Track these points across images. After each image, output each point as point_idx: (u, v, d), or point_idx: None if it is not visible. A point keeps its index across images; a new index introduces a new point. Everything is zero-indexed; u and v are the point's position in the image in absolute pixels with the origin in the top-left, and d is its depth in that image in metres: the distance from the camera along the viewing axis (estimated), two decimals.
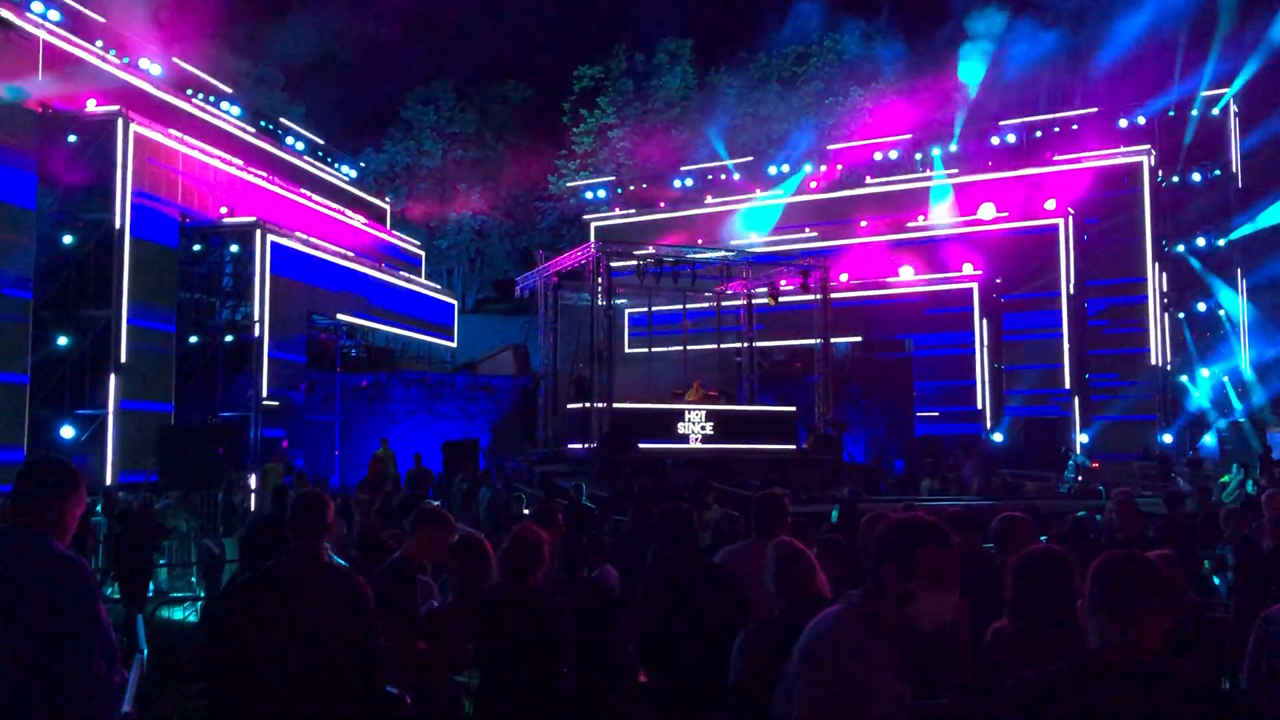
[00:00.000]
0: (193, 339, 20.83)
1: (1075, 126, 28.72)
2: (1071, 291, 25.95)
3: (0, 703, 3.25)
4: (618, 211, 34.89)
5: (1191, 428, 26.86)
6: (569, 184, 42.10)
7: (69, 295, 18.46)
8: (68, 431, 17.99)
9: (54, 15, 19.69)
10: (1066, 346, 25.71)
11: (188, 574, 13.74)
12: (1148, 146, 26.98)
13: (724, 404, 23.33)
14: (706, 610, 4.83)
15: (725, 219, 32.24)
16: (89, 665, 3.35)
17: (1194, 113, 27.74)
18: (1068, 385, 25.59)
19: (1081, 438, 25.14)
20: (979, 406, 25.56)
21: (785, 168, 33.55)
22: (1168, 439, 25.64)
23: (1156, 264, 26.26)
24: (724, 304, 26.53)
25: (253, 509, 17.69)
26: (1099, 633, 2.62)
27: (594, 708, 4.87)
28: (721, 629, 4.54)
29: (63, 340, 18.30)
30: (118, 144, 18.75)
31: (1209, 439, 26.02)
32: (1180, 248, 28.02)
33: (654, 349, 26.14)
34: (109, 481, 17.06)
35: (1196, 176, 27.96)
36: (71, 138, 18.65)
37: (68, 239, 18.55)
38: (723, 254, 25.27)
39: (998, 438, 25.41)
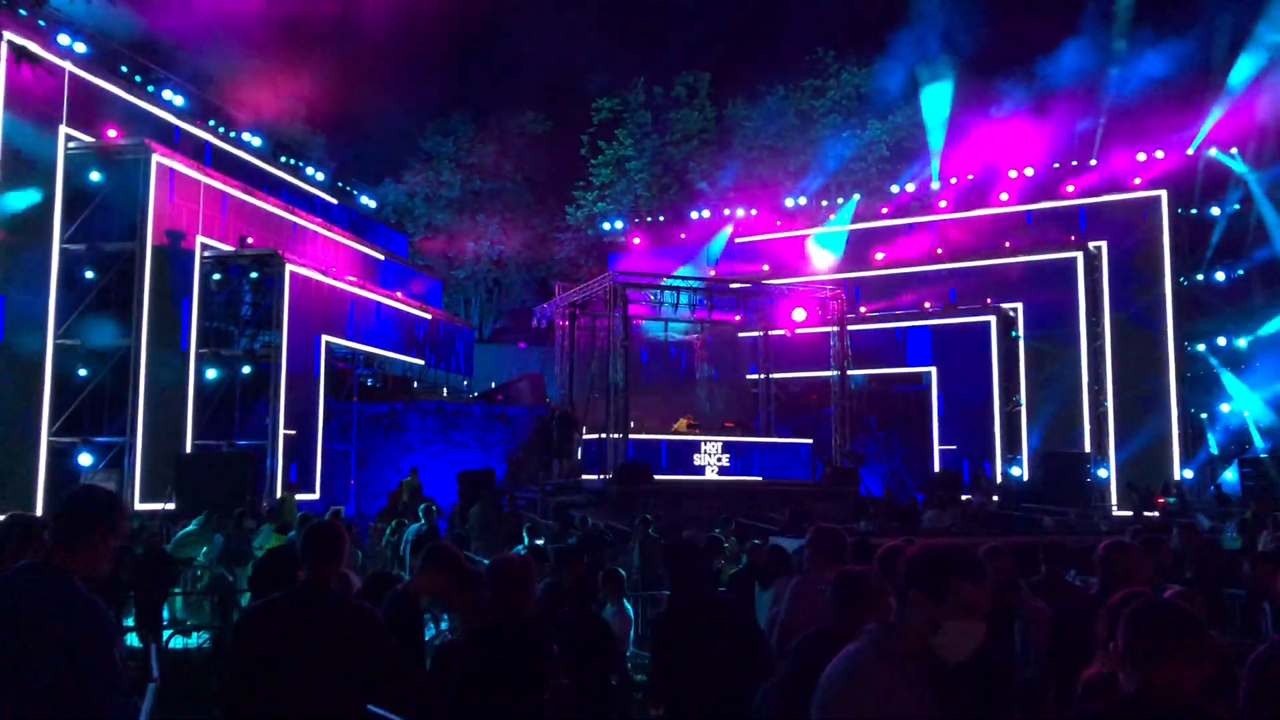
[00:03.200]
0: (211, 367, 20.93)
1: (1094, 162, 28.67)
2: (1090, 325, 25.83)
3: None
4: (635, 242, 35.01)
5: (1212, 464, 26.61)
6: (586, 215, 42.29)
7: (89, 324, 18.60)
8: (85, 459, 18.09)
9: (80, 47, 19.98)
10: (1085, 380, 25.58)
11: (203, 602, 13.73)
12: (1166, 184, 26.89)
13: (740, 435, 23.31)
14: (715, 649, 4.77)
15: (742, 249, 32.30)
16: (103, 709, 3.37)
17: (1212, 153, 27.63)
18: (1086, 419, 25.44)
19: (1101, 472, 24.94)
20: (998, 440, 25.41)
21: (803, 200, 33.63)
22: (1188, 474, 25.41)
23: (1175, 297, 26.12)
24: (741, 335, 26.53)
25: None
26: (1135, 679, 2.59)
27: None
28: (730, 669, 4.50)
29: (82, 370, 18.44)
30: (140, 175, 18.95)
31: (1230, 475, 25.77)
32: (1200, 277, 27.90)
33: (670, 380, 26.13)
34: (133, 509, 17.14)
35: (1215, 210, 27.84)
36: (95, 169, 18.85)
37: (89, 270, 18.73)
38: (739, 285, 25.30)
39: (1016, 472, 25.25)
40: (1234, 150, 27.44)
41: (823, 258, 30.14)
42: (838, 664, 2.78)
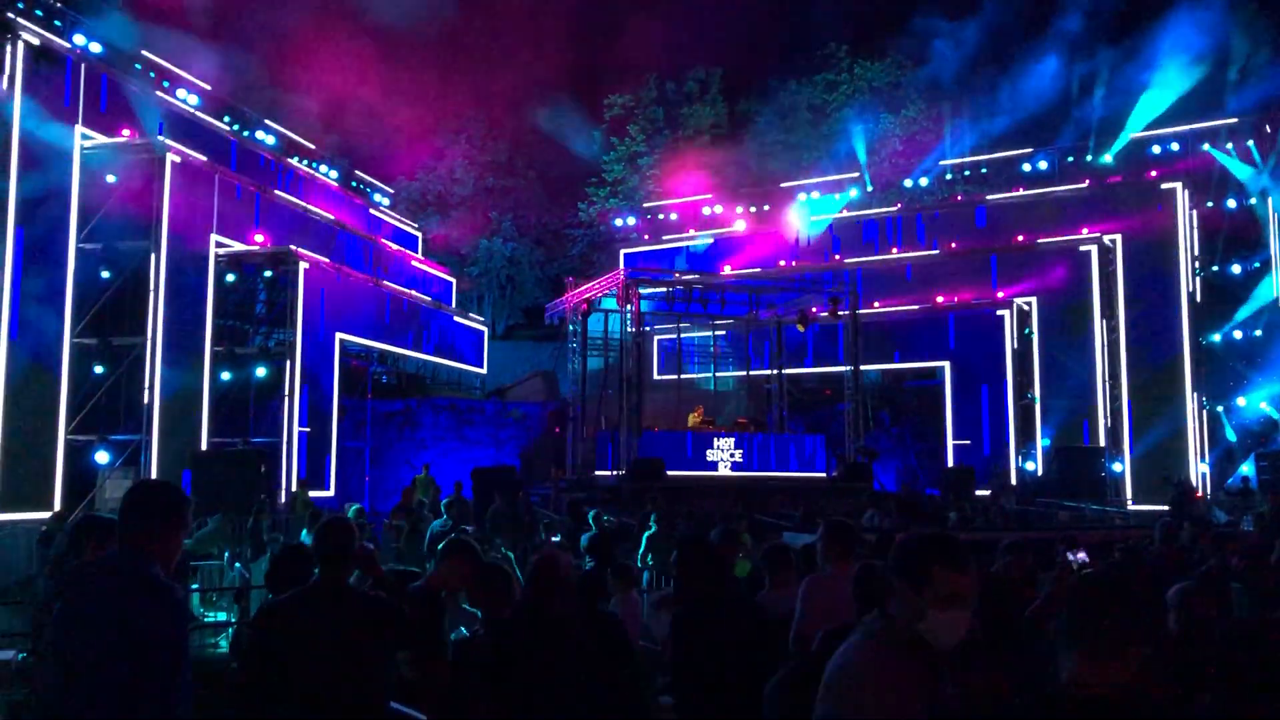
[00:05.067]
0: (226, 365, 21.04)
1: (1108, 158, 28.50)
2: (1104, 317, 25.70)
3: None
4: (647, 238, 35.01)
5: (1228, 457, 26.48)
6: (599, 211, 42.30)
7: (105, 322, 18.71)
8: (103, 457, 18.21)
9: (95, 47, 20.10)
10: (1099, 373, 25.44)
11: (220, 600, 13.81)
12: (1182, 175, 26.77)
13: (753, 431, 23.31)
14: (735, 648, 4.78)
15: (755, 245, 32.23)
16: (175, 689, 3.53)
17: (1229, 145, 27.47)
18: (1101, 413, 25.31)
19: (1116, 466, 24.83)
20: (1012, 434, 25.30)
21: (816, 194, 33.56)
22: (1204, 469, 25.30)
23: (1190, 289, 25.98)
24: (753, 330, 26.52)
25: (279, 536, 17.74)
26: (1067, 665, 2.55)
27: None
28: (751, 668, 4.51)
29: (99, 368, 18.56)
30: (155, 174, 19.04)
31: (1246, 468, 25.67)
32: (1215, 268, 27.77)
33: (683, 375, 26.14)
34: None
35: (1232, 203, 27.69)
36: (110, 167, 18.94)
37: (104, 269, 18.84)
38: (750, 280, 25.30)
39: (1030, 466, 25.17)
40: (1250, 143, 27.30)
41: (835, 249, 29.98)
42: (839, 656, 2.82)
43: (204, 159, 20.91)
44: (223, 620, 12.53)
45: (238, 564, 13.28)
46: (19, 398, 16.99)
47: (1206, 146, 27.53)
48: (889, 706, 2.66)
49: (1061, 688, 2.52)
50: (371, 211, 31.17)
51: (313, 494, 19.60)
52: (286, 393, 21.23)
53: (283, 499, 19.78)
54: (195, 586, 13.14)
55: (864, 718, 2.66)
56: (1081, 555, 6.85)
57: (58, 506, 17.09)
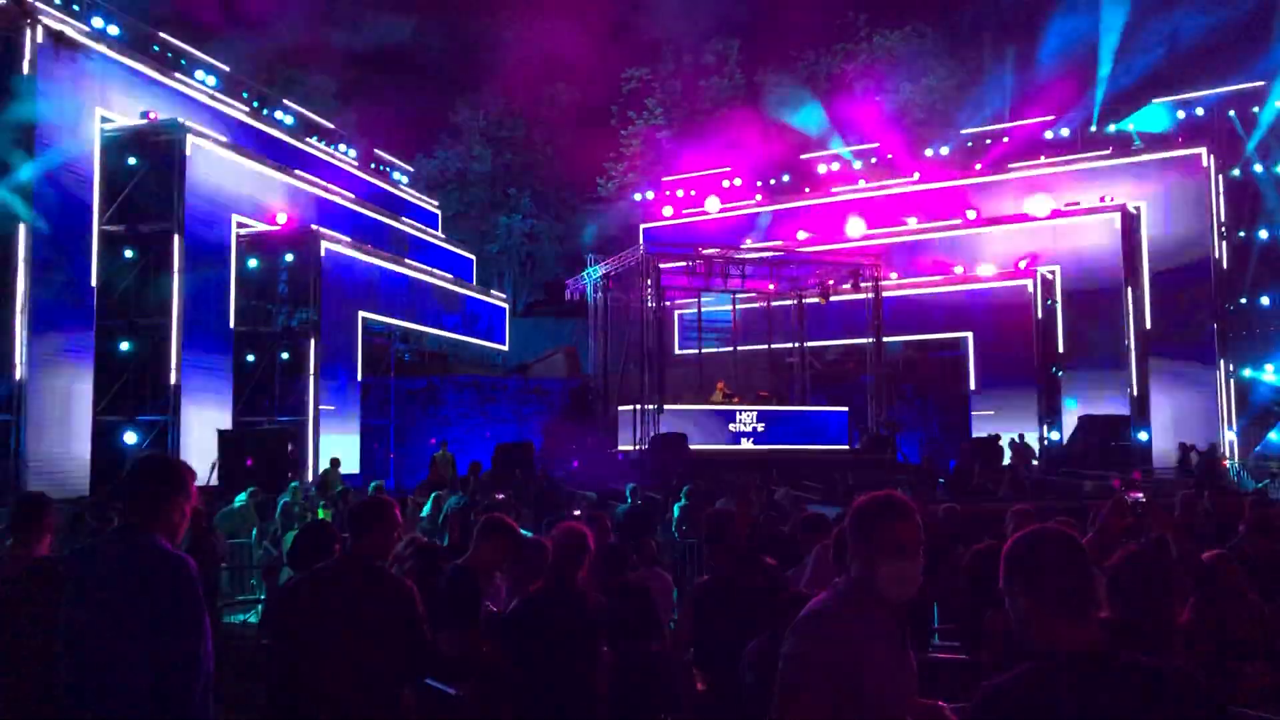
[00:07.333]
0: (250, 345, 21.17)
1: (1131, 126, 28.12)
2: (1130, 284, 25.44)
3: (115, 698, 3.34)
4: (667, 212, 34.91)
5: (1257, 423, 26.23)
6: (617, 186, 42.21)
7: (130, 304, 18.85)
8: (130, 437, 18.39)
9: (113, 29, 20.15)
10: (1126, 340, 25.22)
11: (249, 577, 13.94)
12: (1207, 139, 26.42)
13: (775, 404, 23.28)
14: (755, 615, 4.79)
15: (775, 218, 32.07)
16: (196, 661, 3.42)
17: (1255, 110, 27.05)
18: (1127, 380, 25.10)
19: (1141, 435, 24.65)
20: (1037, 404, 25.13)
21: (835, 166, 33.36)
22: (1232, 436, 25.08)
23: (1218, 256, 25.67)
24: (774, 304, 26.41)
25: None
26: (1035, 624, 2.49)
27: (632, 711, 4.89)
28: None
29: (125, 347, 18.72)
30: (175, 155, 19.11)
31: (1274, 435, 25.43)
32: (1242, 233, 27.41)
33: (704, 350, 26.09)
34: None
35: (1258, 168, 27.29)
36: (131, 150, 19.02)
37: (128, 251, 18.96)
38: (772, 253, 25.18)
39: (1055, 436, 25.02)
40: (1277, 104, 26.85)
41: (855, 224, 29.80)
42: (806, 610, 2.96)
43: (224, 140, 20.97)
44: (252, 599, 12.65)
45: (265, 541, 13.40)
46: (49, 379, 17.13)
47: (1232, 114, 27.11)
48: (862, 654, 2.78)
49: (1045, 648, 2.45)
50: (391, 190, 31.20)
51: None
52: (310, 372, 21.36)
53: (309, 477, 19.94)
54: (224, 565, 13.25)
55: (828, 660, 2.77)
56: (1138, 495, 6.80)
57: (88, 487, 17.28)
